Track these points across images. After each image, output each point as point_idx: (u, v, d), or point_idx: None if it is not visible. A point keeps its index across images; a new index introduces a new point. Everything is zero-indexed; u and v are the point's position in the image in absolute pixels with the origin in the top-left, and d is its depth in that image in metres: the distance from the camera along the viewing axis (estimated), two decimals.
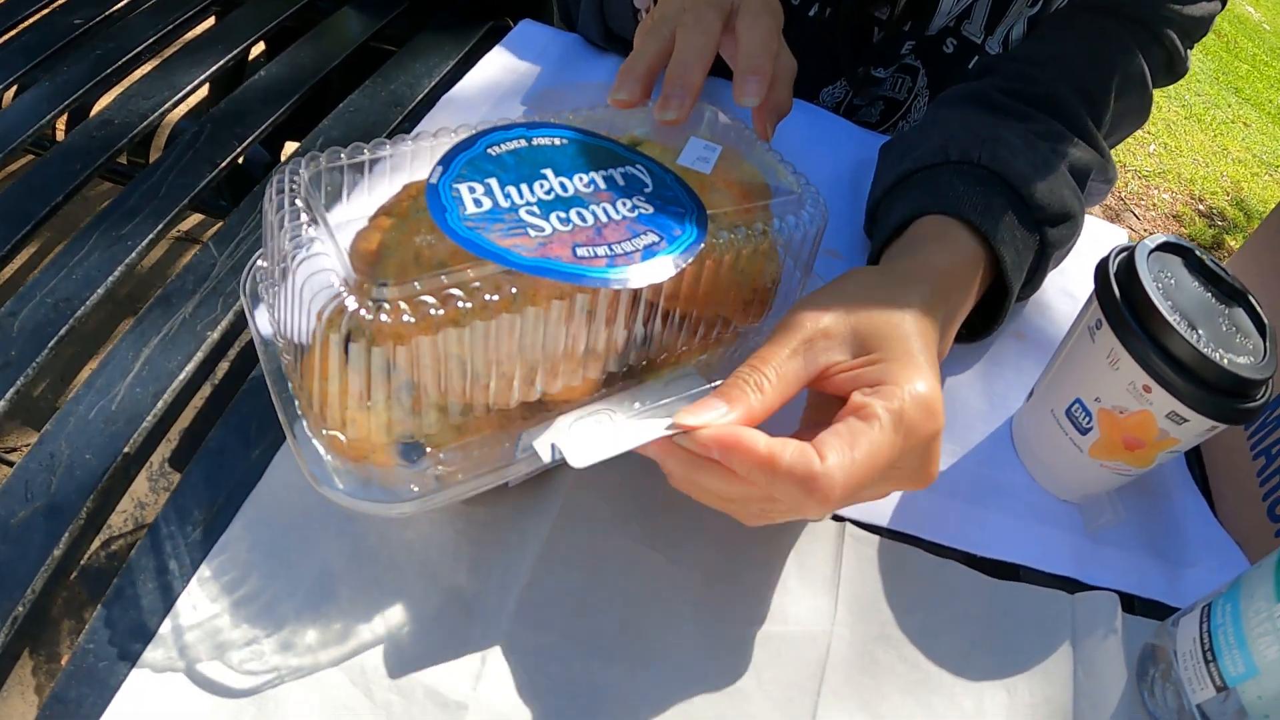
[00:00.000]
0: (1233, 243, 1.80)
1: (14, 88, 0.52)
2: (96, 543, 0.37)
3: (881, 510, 0.37)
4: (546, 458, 0.27)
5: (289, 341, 0.29)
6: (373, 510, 0.28)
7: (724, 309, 0.31)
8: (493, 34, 0.58)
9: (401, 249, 0.27)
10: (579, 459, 0.26)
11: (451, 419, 0.28)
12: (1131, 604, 0.37)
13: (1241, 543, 0.40)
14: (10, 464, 0.80)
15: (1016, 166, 0.39)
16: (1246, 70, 2.50)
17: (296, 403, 0.29)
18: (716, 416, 0.26)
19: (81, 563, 0.35)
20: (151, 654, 0.28)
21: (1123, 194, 1.81)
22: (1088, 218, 0.50)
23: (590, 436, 0.27)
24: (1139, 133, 2.03)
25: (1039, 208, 0.39)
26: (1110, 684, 0.33)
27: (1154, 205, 1.81)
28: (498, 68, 0.53)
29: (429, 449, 0.28)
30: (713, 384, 0.30)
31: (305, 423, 0.28)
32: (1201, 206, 1.86)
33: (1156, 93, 0.50)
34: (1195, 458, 0.45)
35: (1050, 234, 0.40)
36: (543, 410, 0.29)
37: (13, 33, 0.55)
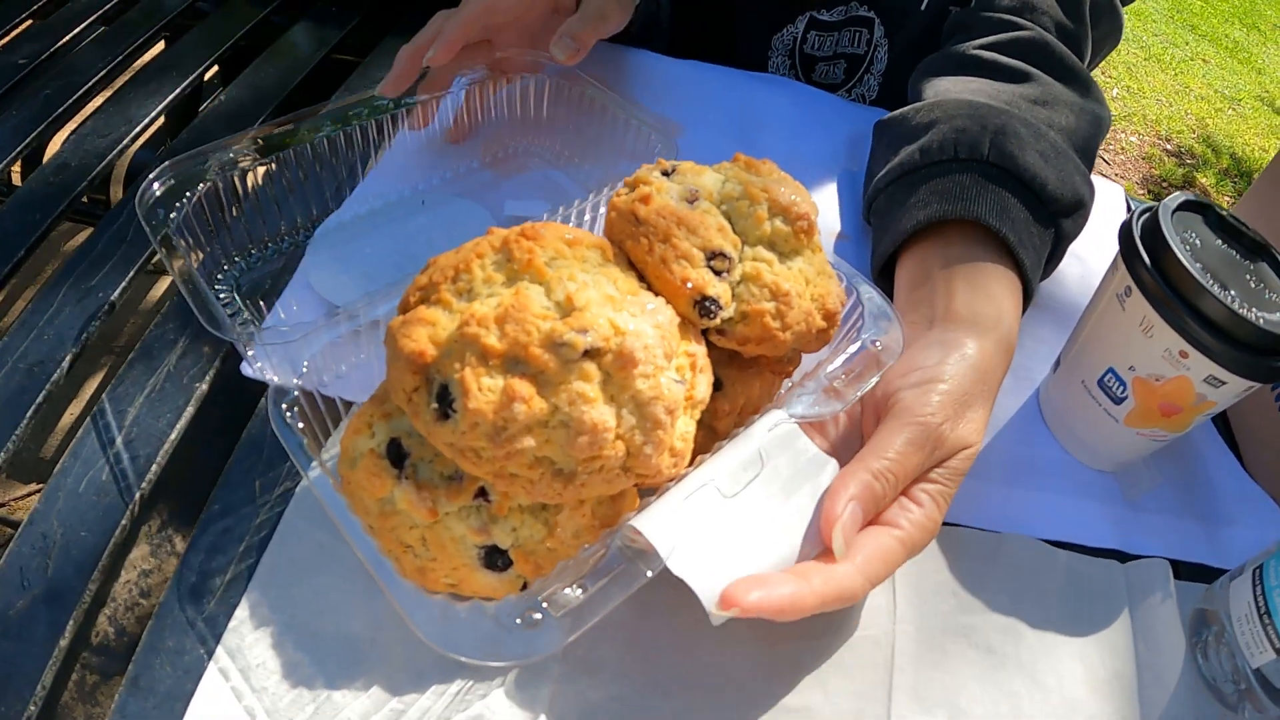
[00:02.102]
0: (1204, 180, 1.80)
1: None
2: (102, 617, 0.34)
3: None
4: (675, 569, 0.23)
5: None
6: (511, 663, 0.24)
7: (801, 343, 0.29)
8: None
9: (457, 349, 0.23)
10: (709, 597, 0.23)
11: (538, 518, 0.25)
12: (1177, 570, 0.36)
13: (1276, 496, 0.39)
14: (3, 521, 0.76)
15: (1027, 160, 0.37)
16: (1200, 6, 2.49)
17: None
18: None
19: (91, 641, 0.32)
20: None
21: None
22: (1109, 182, 0.49)
23: (710, 538, 0.24)
24: (1102, 78, 2.02)
25: (1052, 200, 0.37)
26: (1170, 653, 0.32)
27: (1123, 149, 1.81)
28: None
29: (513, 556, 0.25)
30: (795, 418, 0.28)
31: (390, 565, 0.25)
32: (1169, 146, 1.86)
33: None
34: (1220, 416, 0.44)
35: (1065, 225, 0.39)
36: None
37: None
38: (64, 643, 0.29)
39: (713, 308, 0.27)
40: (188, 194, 0.33)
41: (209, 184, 0.34)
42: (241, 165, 0.35)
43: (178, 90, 0.50)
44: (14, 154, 0.45)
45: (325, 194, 0.39)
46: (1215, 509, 0.38)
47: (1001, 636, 0.31)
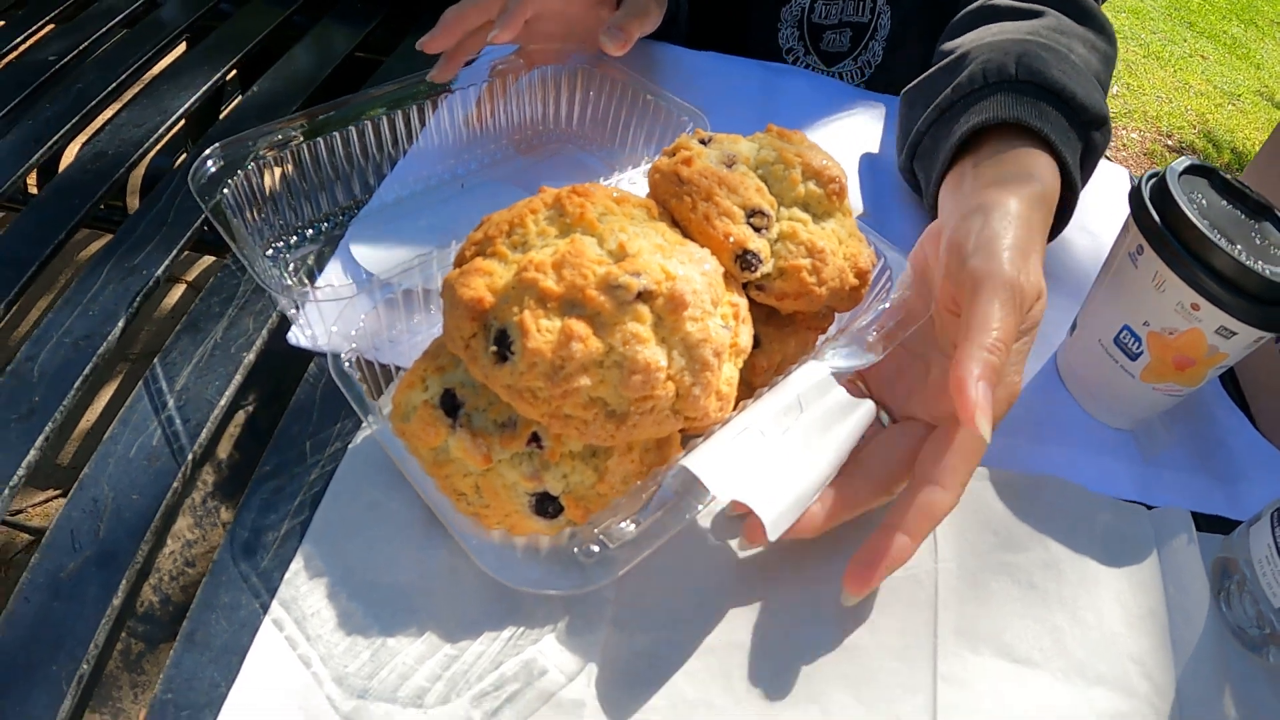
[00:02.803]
0: None
1: None
2: (147, 587, 0.34)
3: None
4: (725, 497, 0.25)
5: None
6: (572, 590, 0.25)
7: (835, 300, 0.30)
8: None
9: (515, 294, 0.25)
10: (772, 519, 0.25)
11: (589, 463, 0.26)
12: (1195, 522, 0.37)
13: None
14: (21, 528, 0.75)
15: (1053, 75, 0.39)
16: (1198, 3, 2.56)
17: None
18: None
19: (137, 610, 0.33)
20: (238, 694, 0.26)
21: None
22: (1109, 163, 0.50)
23: (757, 474, 0.25)
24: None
25: (1081, 109, 0.39)
26: (1196, 595, 0.33)
27: (1125, 145, 1.85)
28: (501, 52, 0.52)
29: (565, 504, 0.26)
30: (833, 370, 0.29)
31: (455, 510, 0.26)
32: (1170, 142, 1.90)
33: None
34: (1230, 378, 0.45)
35: (1095, 137, 0.40)
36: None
37: None
38: (116, 602, 0.30)
39: (754, 261, 0.29)
40: (238, 172, 0.35)
41: (257, 164, 0.35)
42: (287, 148, 0.36)
43: (201, 91, 0.51)
44: (42, 150, 0.46)
45: (367, 176, 0.40)
46: (1228, 466, 0.40)
47: (1043, 573, 0.33)
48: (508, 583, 0.25)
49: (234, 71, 0.56)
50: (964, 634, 0.30)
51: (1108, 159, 0.53)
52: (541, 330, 0.24)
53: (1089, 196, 0.48)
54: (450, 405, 0.28)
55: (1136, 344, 0.37)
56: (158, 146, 0.48)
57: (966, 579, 0.32)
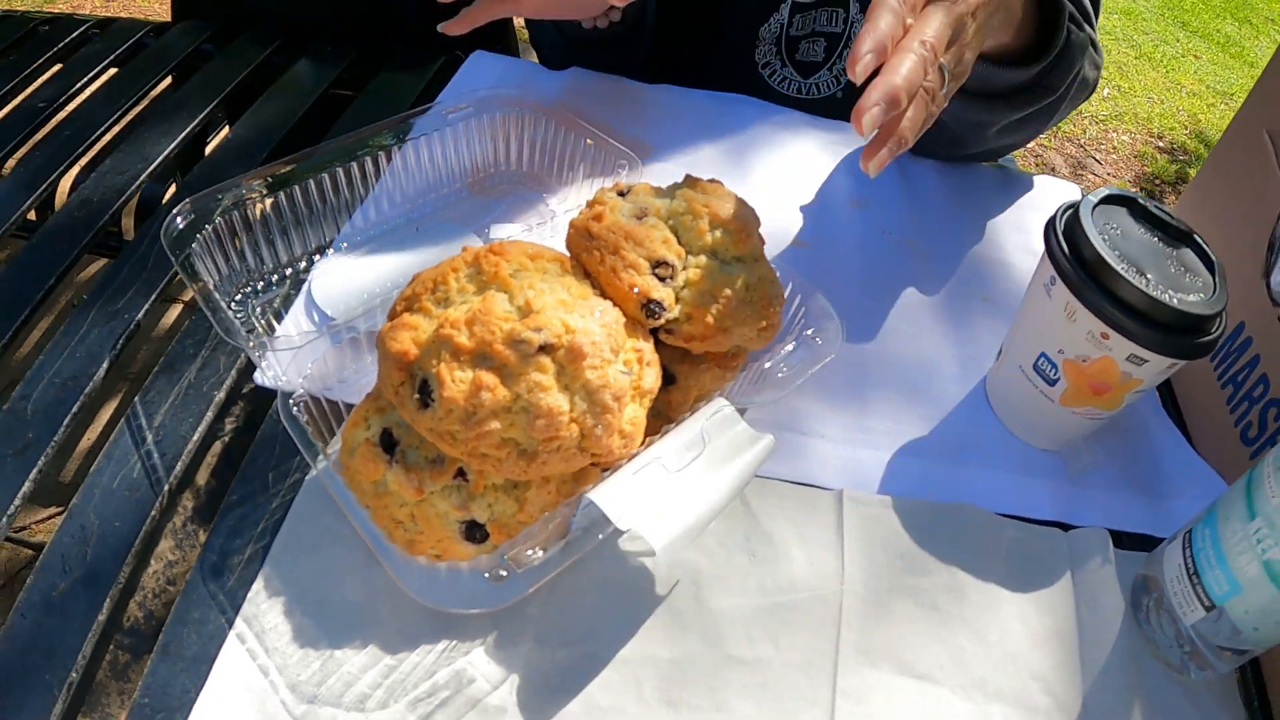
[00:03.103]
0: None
1: None
2: (133, 604, 0.40)
3: (871, 478, 0.40)
4: (625, 527, 0.29)
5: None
6: (482, 610, 0.30)
7: (743, 340, 0.34)
8: (447, 67, 0.61)
9: (434, 348, 0.29)
10: (662, 545, 0.29)
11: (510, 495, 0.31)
12: (1120, 540, 0.40)
13: (1219, 469, 0.43)
14: (25, 544, 0.83)
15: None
16: (1191, 2, 2.52)
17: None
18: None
19: (123, 625, 0.38)
20: (205, 700, 0.31)
21: (1082, 140, 1.84)
22: (1048, 178, 0.53)
23: (656, 504, 0.29)
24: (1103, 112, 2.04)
25: None
26: (1109, 613, 0.36)
27: (1114, 148, 1.83)
28: (455, 100, 0.56)
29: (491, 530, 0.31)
30: (738, 407, 0.33)
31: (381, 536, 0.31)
32: (1162, 143, 1.88)
33: (1105, 37, 0.54)
34: (1169, 394, 0.48)
35: (1074, 35, 0.44)
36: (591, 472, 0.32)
37: None
38: (102, 618, 0.35)
39: (657, 309, 0.33)
40: (206, 226, 0.40)
41: (224, 218, 0.40)
42: (251, 200, 0.41)
43: (189, 128, 0.57)
44: (41, 190, 0.51)
45: (328, 224, 0.45)
46: (1159, 483, 0.42)
47: (946, 596, 0.36)
48: (426, 603, 0.29)
49: (217, 108, 0.61)
50: (865, 651, 0.34)
51: (1098, 161, 0.55)
52: (456, 381, 0.29)
53: (1036, 218, 0.51)
54: (388, 443, 0.32)
55: (1054, 370, 0.39)
56: (149, 177, 0.53)
57: (871, 600, 0.35)
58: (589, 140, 0.45)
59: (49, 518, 0.84)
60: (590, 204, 0.35)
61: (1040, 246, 0.52)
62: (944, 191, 0.55)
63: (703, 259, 0.34)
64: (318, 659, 0.32)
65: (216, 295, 0.36)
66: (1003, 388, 0.43)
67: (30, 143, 0.56)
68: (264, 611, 0.34)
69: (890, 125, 0.32)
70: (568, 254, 0.34)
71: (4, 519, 0.37)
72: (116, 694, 0.40)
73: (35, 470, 0.39)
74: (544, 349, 0.29)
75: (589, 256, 0.33)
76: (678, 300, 0.33)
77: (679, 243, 0.34)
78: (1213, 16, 2.47)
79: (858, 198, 0.53)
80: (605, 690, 0.32)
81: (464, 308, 0.30)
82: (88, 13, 1.79)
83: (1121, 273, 0.36)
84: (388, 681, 0.32)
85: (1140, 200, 0.39)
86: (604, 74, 0.59)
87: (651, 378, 0.32)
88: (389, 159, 0.45)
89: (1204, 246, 0.38)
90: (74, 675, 0.33)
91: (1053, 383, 0.40)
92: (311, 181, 0.43)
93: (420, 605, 0.33)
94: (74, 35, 0.67)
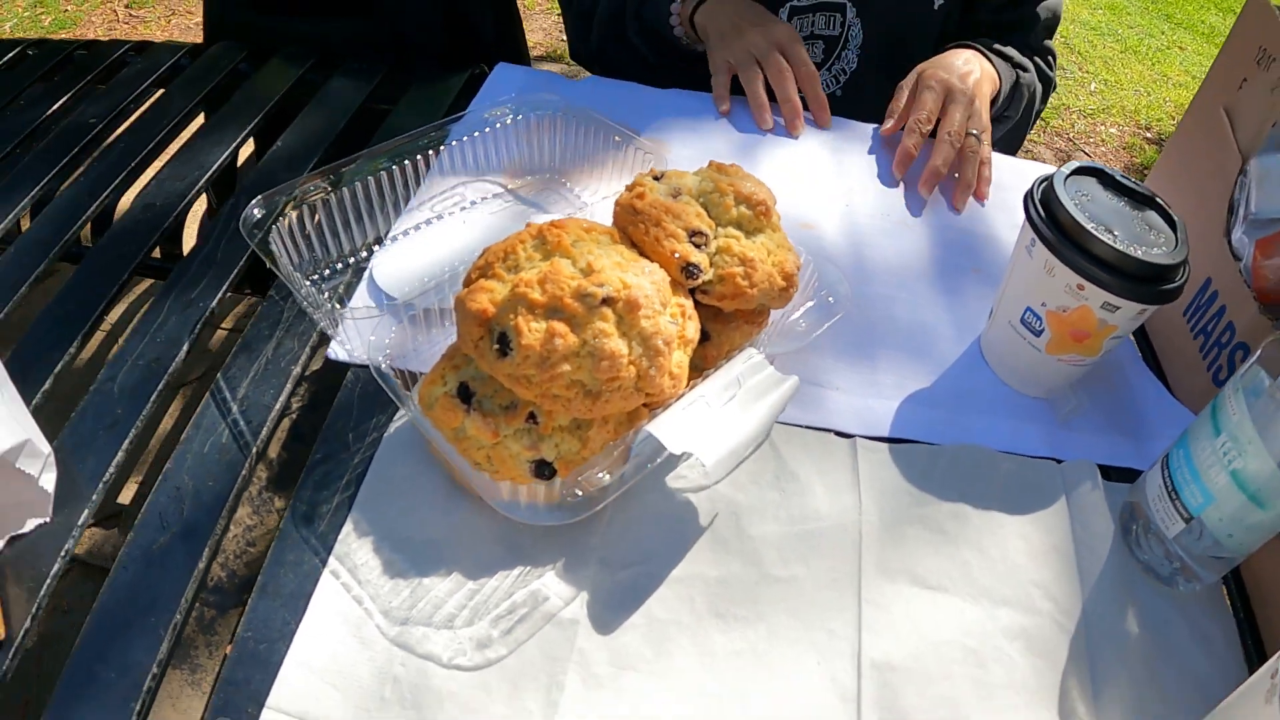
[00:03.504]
0: None
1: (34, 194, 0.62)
2: (215, 565, 0.45)
3: (882, 424, 0.47)
4: (678, 450, 0.36)
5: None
6: (560, 522, 0.37)
7: (767, 299, 0.41)
8: (472, 81, 0.69)
9: (510, 305, 0.36)
10: (713, 462, 0.36)
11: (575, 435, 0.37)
12: (1106, 475, 0.47)
13: (1194, 411, 0.50)
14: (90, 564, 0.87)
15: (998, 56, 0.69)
16: None
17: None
18: None
19: (208, 584, 0.44)
20: (306, 629, 0.37)
21: (1070, 134, 1.95)
22: (1029, 162, 0.63)
23: (704, 433, 0.36)
24: (1079, 73, 2.17)
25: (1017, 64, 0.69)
26: (1100, 532, 0.43)
27: (1103, 141, 1.95)
28: (487, 107, 0.64)
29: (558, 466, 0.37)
30: (767, 354, 0.40)
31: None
32: (1149, 134, 2.00)
33: (1091, 31, 0.68)
34: (1147, 346, 0.55)
35: (1022, 77, 0.70)
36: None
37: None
38: (200, 566, 0.41)
39: (695, 271, 0.40)
40: (279, 218, 0.46)
41: (294, 211, 0.47)
42: (315, 196, 0.48)
43: (232, 146, 0.64)
44: (94, 206, 0.58)
45: (380, 218, 0.52)
46: (1140, 424, 0.50)
47: (952, 521, 0.43)
48: (514, 517, 0.35)
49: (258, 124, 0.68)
50: (883, 569, 0.41)
51: (1086, 154, 0.66)
52: (532, 330, 0.35)
53: (1019, 198, 0.59)
54: (465, 394, 0.39)
55: (1038, 322, 0.47)
56: (201, 182, 0.60)
57: (885, 527, 0.42)
58: (616, 138, 0.53)
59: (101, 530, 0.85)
60: (631, 186, 0.43)
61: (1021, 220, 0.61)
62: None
63: (730, 230, 0.42)
64: (407, 588, 0.38)
65: (297, 274, 0.43)
66: (995, 342, 0.51)
67: (84, 164, 0.62)
68: (354, 550, 0.40)
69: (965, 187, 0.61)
70: (613, 228, 0.41)
71: (100, 485, 0.43)
72: (204, 645, 0.46)
73: (126, 441, 0.45)
74: (606, 301, 0.36)
75: (635, 229, 0.40)
76: (711, 264, 0.41)
77: (709, 216, 0.42)
78: (1196, 8, 2.62)
79: (856, 186, 0.61)
80: (662, 605, 0.38)
81: (534, 271, 0.37)
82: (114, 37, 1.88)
83: (1092, 231, 0.43)
84: (471, 603, 0.38)
85: (1107, 171, 0.47)
86: (619, 81, 0.67)
87: (693, 330, 0.39)
88: (434, 158, 0.53)
89: (1166, 208, 0.46)
90: (178, 617, 0.39)
91: (1038, 333, 0.47)
92: (370, 179, 0.50)
93: (497, 539, 0.40)
94: (112, 59, 0.74)
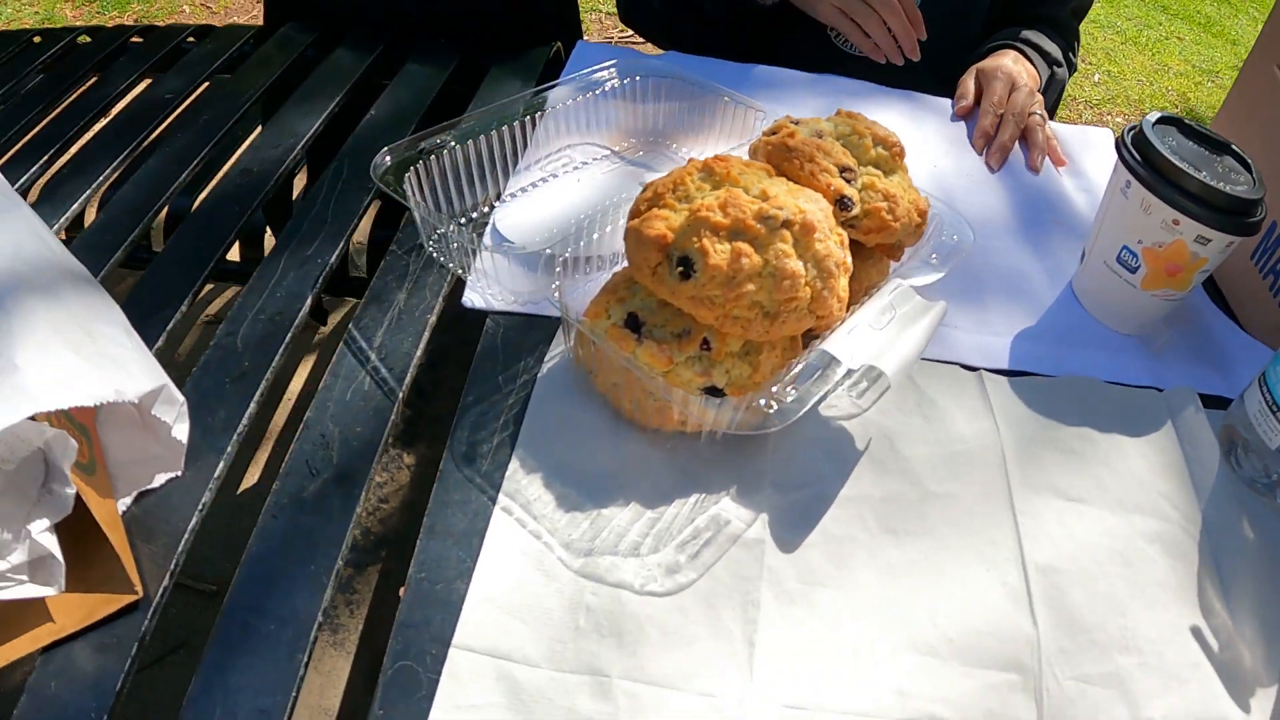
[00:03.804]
0: None
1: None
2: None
3: (1000, 357, 0.49)
4: (856, 365, 0.37)
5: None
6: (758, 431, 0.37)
7: (905, 234, 0.43)
8: (550, 62, 0.69)
9: (691, 228, 0.36)
10: (893, 371, 0.37)
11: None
12: (1201, 402, 0.49)
13: (1268, 342, 0.54)
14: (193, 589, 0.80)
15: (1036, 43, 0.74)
16: None
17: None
18: None
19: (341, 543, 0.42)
20: (485, 564, 0.36)
21: (1079, 125, 2.06)
22: (1083, 127, 0.69)
23: (872, 349, 0.38)
24: (1082, 65, 2.29)
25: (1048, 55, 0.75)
26: (1207, 449, 0.45)
27: (1111, 130, 2.04)
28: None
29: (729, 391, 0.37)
30: (910, 283, 0.41)
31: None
32: None
33: (1091, 24, 0.74)
34: (1219, 297, 0.59)
35: (1056, 73, 0.75)
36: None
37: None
38: (359, 510, 0.39)
39: (849, 203, 0.41)
40: (407, 169, 0.46)
41: (423, 162, 0.47)
42: (438, 150, 0.48)
43: (325, 113, 0.62)
44: (186, 174, 0.56)
45: (498, 177, 0.52)
46: (1222, 358, 0.53)
47: (1079, 441, 0.45)
48: (711, 426, 0.35)
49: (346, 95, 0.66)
50: (1028, 484, 0.42)
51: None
52: (718, 251, 0.36)
53: (1085, 156, 0.62)
54: (634, 324, 0.39)
55: (1134, 259, 0.50)
56: (296, 151, 0.59)
57: (1023, 448, 0.44)
58: (726, 99, 0.54)
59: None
60: (771, 130, 0.44)
61: (1091, 187, 0.65)
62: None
63: (870, 169, 0.43)
64: (585, 519, 0.38)
65: (436, 212, 0.42)
66: (1090, 283, 0.53)
67: (152, 136, 0.60)
68: (524, 487, 0.39)
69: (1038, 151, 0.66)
70: (768, 165, 0.42)
71: (235, 436, 0.41)
72: (344, 605, 0.44)
73: (258, 393, 0.43)
74: (785, 224, 0.37)
75: (790, 164, 0.41)
76: (859, 199, 0.42)
77: (850, 156, 0.43)
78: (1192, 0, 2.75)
79: (939, 151, 0.64)
80: (837, 523, 0.39)
81: (711, 198, 0.38)
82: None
83: (1186, 169, 0.46)
84: (654, 530, 0.38)
85: (1185, 120, 0.51)
86: (696, 56, 0.69)
87: (850, 259, 0.40)
88: (540, 120, 0.53)
89: (1240, 153, 0.50)
90: (339, 563, 0.38)
91: (1134, 270, 0.50)
92: (485, 138, 0.50)
93: (670, 470, 0.40)
94: (170, 46, 0.72)
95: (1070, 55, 0.79)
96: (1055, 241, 0.58)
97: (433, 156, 0.48)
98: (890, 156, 0.44)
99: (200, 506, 0.39)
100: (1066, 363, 0.50)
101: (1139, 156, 0.48)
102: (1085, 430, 0.45)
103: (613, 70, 0.55)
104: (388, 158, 0.46)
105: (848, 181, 0.42)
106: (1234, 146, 0.50)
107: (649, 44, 0.83)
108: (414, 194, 0.46)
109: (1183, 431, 0.47)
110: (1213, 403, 0.50)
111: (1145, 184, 0.47)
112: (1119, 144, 0.50)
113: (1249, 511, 0.43)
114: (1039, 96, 0.68)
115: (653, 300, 0.39)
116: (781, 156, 0.42)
